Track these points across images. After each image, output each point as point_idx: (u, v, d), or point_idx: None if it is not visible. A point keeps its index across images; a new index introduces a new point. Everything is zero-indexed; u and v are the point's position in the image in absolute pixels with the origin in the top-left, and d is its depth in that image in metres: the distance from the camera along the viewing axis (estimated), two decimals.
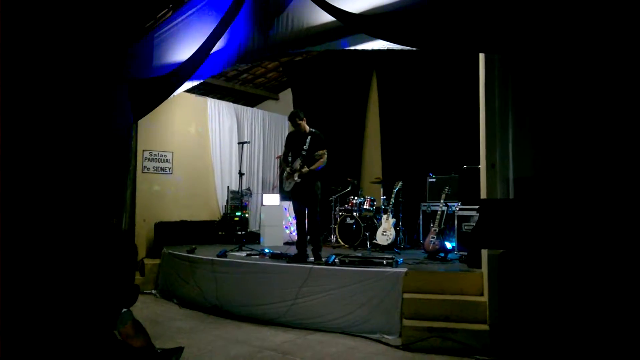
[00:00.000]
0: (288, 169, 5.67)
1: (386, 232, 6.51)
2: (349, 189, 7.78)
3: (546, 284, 2.79)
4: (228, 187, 8.52)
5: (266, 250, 6.25)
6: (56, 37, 4.11)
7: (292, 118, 5.70)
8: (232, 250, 6.39)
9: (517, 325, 2.90)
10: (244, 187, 8.12)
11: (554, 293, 2.75)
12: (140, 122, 7.02)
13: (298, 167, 5.52)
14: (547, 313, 2.75)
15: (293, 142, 5.77)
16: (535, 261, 2.85)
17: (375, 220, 7.03)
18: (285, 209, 8.31)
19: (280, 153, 8.64)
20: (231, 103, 9.36)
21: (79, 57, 4.48)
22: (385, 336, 4.47)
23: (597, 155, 3.21)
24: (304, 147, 5.56)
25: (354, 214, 7.16)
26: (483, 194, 4.29)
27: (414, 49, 4.30)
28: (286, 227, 8.26)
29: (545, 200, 3.30)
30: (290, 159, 5.75)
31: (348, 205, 7.41)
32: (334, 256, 5.28)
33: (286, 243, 7.72)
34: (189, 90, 7.43)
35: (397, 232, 6.66)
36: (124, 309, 1.90)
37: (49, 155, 3.99)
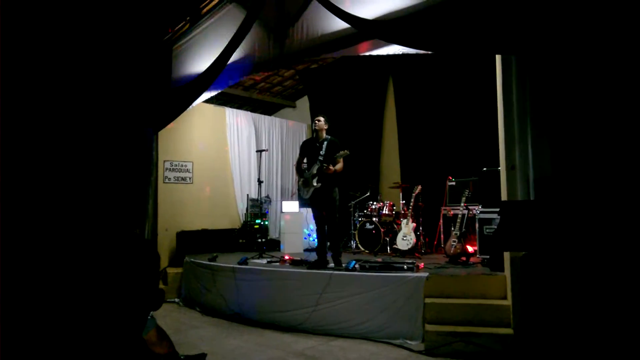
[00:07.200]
0: (302, 179, 5.70)
1: (406, 236, 6.48)
2: (368, 194, 7.77)
3: (570, 286, 2.74)
4: (247, 195, 8.59)
5: (286, 257, 6.27)
6: (77, 47, 4.20)
7: (319, 118, 5.73)
8: (252, 258, 6.43)
9: (540, 329, 2.85)
10: (263, 195, 8.17)
11: (578, 295, 2.70)
12: (160, 133, 7.15)
13: (315, 172, 5.54)
14: (571, 316, 2.70)
15: (308, 149, 5.80)
16: (558, 263, 2.80)
17: (395, 225, 7.00)
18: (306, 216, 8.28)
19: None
20: (249, 112, 9.46)
21: (100, 68, 4.58)
22: (408, 341, 4.44)
23: (617, 153, 3.15)
24: (321, 152, 5.58)
25: (374, 219, 7.13)
26: (504, 196, 4.24)
27: (429, 52, 4.29)
28: (309, 235, 8.22)
29: (567, 200, 3.25)
30: (305, 166, 5.76)
31: (367, 210, 7.40)
32: (354, 262, 5.27)
33: (306, 250, 7.73)
34: (207, 101, 7.55)
35: (417, 236, 6.62)
36: (149, 316, 1.94)
37: (72, 167, 4.08)
